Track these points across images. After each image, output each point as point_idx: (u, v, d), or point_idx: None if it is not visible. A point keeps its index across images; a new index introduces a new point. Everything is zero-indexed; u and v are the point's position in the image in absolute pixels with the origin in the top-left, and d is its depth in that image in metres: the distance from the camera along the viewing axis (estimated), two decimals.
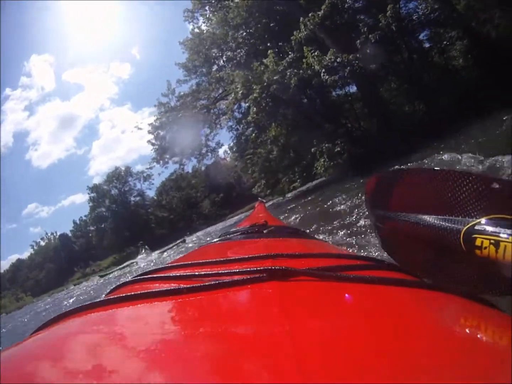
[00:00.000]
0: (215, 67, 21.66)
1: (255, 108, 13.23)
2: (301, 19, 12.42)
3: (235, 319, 0.52)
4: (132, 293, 0.62)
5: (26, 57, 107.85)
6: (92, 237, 50.00)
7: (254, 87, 13.00)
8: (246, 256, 0.79)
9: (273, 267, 0.61)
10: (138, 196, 48.71)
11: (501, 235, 0.92)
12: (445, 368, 0.35)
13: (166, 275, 0.77)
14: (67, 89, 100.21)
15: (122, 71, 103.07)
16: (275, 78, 12.40)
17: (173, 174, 44.14)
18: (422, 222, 1.20)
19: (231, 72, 14.76)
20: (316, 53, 11.68)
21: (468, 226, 1.03)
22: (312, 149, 12.50)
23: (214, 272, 0.69)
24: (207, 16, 21.04)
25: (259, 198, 4.34)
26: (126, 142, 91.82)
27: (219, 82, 20.30)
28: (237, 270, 0.65)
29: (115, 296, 0.64)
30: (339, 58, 11.37)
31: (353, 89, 17.05)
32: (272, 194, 22.76)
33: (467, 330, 0.48)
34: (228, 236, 1.70)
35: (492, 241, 0.93)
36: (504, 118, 5.68)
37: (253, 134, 14.33)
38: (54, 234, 55.01)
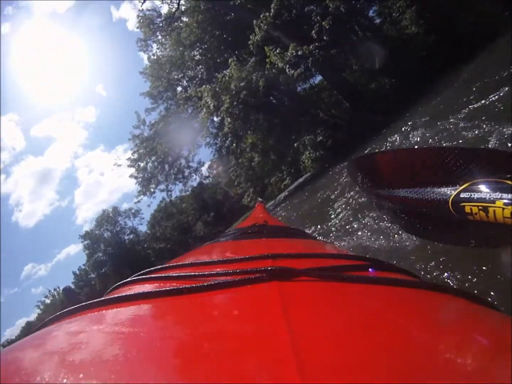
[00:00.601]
0: (179, 89, 21.84)
1: (229, 119, 13.32)
2: (254, 22, 12.59)
3: (235, 319, 0.52)
4: (131, 293, 0.62)
5: None
6: (95, 284, 49.03)
7: (223, 98, 13.12)
8: (246, 256, 0.79)
9: (273, 267, 0.61)
10: (131, 233, 48.14)
11: (487, 200, 1.00)
12: (445, 368, 0.35)
13: (165, 275, 0.77)
14: (38, 144, 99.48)
15: (87, 114, 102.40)
16: (241, 84, 12.52)
17: (161, 205, 44.45)
18: (410, 195, 1.32)
19: (198, 89, 14.82)
20: (277, 51, 11.84)
21: (454, 194, 1.11)
22: (295, 144, 12.61)
23: (214, 272, 0.69)
24: (160, 41, 21.19)
25: (259, 199, 4.43)
26: (106, 184, 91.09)
27: (186, 102, 20.38)
28: (237, 270, 0.65)
29: (114, 296, 0.64)
30: (300, 51, 11.54)
31: (317, 79, 17.38)
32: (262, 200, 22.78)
33: (466, 330, 0.48)
34: (228, 236, 1.71)
35: (480, 207, 1.01)
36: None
37: (233, 145, 14.39)
38: (58, 290, 53.85)
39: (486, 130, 3.07)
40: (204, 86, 14.13)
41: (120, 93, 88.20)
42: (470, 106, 4.17)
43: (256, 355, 0.38)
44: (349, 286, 0.60)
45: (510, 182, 0.99)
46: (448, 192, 1.14)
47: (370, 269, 0.75)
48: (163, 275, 0.78)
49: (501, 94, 3.86)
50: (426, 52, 12.31)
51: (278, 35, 13.14)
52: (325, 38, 11.86)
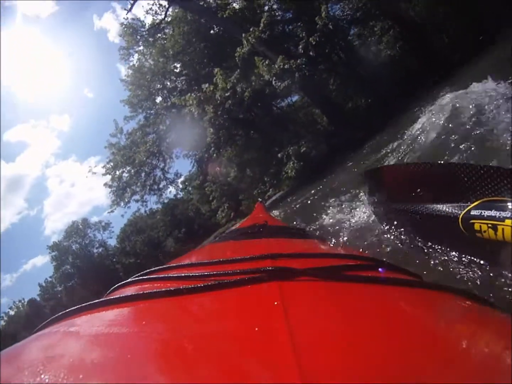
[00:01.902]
0: (159, 99, 21.74)
1: (211, 129, 13.33)
2: (243, 35, 12.81)
3: (235, 319, 0.53)
4: (132, 293, 0.64)
5: None
6: (61, 297, 47.15)
7: (207, 108, 13.15)
8: (246, 256, 0.80)
9: (273, 267, 0.62)
10: (101, 247, 46.97)
11: (497, 218, 1.00)
12: (445, 367, 0.35)
13: (166, 275, 0.78)
14: (10, 150, 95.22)
15: (62, 123, 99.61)
16: (227, 94, 12.62)
17: (131, 219, 43.51)
18: (421, 210, 1.32)
19: (181, 97, 14.80)
20: (266, 62, 12.05)
21: (464, 211, 1.12)
22: (279, 154, 12.75)
23: (214, 272, 0.69)
24: (142, 51, 21.15)
25: (259, 199, 4.38)
26: (77, 195, 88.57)
27: (166, 112, 20.25)
28: (237, 270, 0.66)
29: (115, 296, 0.65)
30: (287, 65, 11.81)
31: (294, 98, 17.83)
32: (235, 217, 22.71)
33: (467, 330, 0.48)
34: (228, 236, 1.76)
35: (489, 225, 1.01)
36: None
37: (214, 155, 14.38)
38: (23, 301, 51.31)
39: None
40: (188, 94, 14.12)
41: (96, 103, 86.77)
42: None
43: (256, 355, 0.39)
44: (349, 285, 0.60)
45: None
46: (459, 209, 1.14)
47: (376, 269, 0.75)
48: (163, 275, 0.79)
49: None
50: (402, 75, 12.96)
51: (263, 50, 13.40)
52: (311, 53, 12.21)
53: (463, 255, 1.27)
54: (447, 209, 1.20)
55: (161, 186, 22.71)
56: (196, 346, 0.43)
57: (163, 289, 0.62)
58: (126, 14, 19.26)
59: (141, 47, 21.09)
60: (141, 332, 0.49)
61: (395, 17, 13.78)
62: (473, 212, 1.08)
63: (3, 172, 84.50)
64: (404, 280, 0.66)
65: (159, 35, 19.97)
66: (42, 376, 0.38)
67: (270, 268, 0.62)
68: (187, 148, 19.48)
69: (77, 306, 0.65)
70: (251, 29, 12.81)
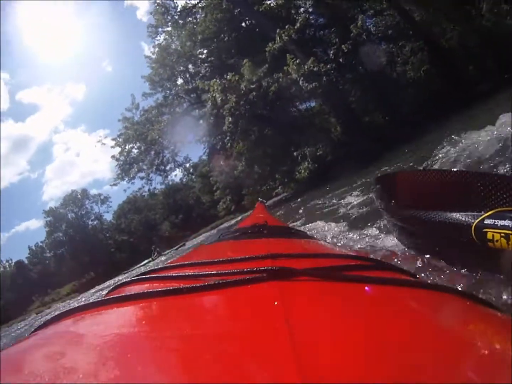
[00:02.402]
0: (180, 81, 21.96)
1: (230, 118, 13.44)
2: (278, 30, 12.93)
3: (235, 319, 0.53)
4: (132, 293, 0.63)
5: None
6: (50, 263, 47.53)
7: (229, 97, 13.26)
8: (246, 256, 0.80)
9: (273, 267, 0.62)
10: (96, 220, 47.40)
11: (510, 227, 1.00)
12: (445, 368, 0.36)
13: (166, 275, 0.78)
14: (22, 110, 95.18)
15: (77, 91, 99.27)
16: (252, 86, 12.74)
17: (131, 196, 43.61)
18: (437, 218, 1.31)
19: (206, 81, 14.93)
20: (297, 61, 12.18)
21: (478, 220, 1.12)
22: (295, 153, 12.86)
23: (214, 272, 0.69)
24: (170, 32, 21.27)
25: (259, 199, 4.37)
26: (80, 165, 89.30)
27: (187, 94, 20.36)
28: (237, 270, 0.66)
29: (115, 296, 0.65)
30: (316, 68, 11.94)
31: (312, 104, 17.91)
32: (235, 211, 22.77)
33: (466, 330, 0.49)
34: (228, 236, 1.73)
35: (502, 234, 1.01)
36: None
37: (228, 144, 14.46)
38: (10, 262, 51.32)
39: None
40: (213, 80, 14.26)
41: (113, 78, 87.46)
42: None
43: (256, 355, 0.39)
44: (349, 286, 0.60)
45: None
46: (472, 218, 1.15)
47: (376, 270, 0.75)
48: (163, 275, 0.79)
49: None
50: (425, 98, 13.05)
51: (293, 49, 13.53)
52: (341, 60, 12.35)
53: (474, 263, 1.27)
54: (461, 217, 1.20)
55: (167, 168, 22.98)
56: (196, 346, 0.43)
57: (163, 289, 0.62)
58: None
59: (169, 28, 21.29)
60: (141, 331, 0.49)
61: (427, 40, 13.92)
62: (486, 221, 1.09)
63: (10, 130, 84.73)
64: (403, 281, 0.67)
65: (189, 19, 20.15)
66: (42, 376, 0.38)
67: (270, 268, 0.62)
68: (201, 134, 19.52)
69: (77, 305, 0.65)
70: (286, 27, 12.91)
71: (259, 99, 12.95)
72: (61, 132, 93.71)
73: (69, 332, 0.56)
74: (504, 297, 1.49)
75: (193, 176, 30.21)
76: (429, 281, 0.83)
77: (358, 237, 2.77)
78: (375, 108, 15.94)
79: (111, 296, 0.65)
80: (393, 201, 1.74)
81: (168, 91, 22.13)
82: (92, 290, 20.11)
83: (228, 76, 13.83)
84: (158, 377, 0.36)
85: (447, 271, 2.01)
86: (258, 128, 14.78)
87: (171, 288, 0.62)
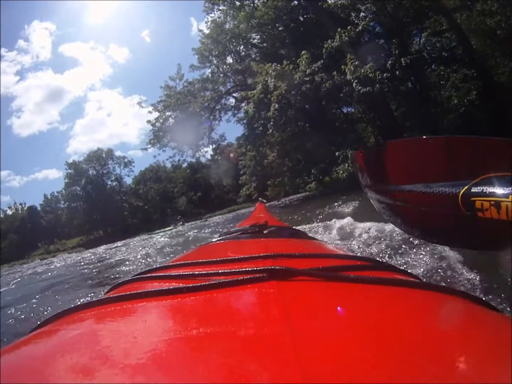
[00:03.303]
0: (229, 60, 22.42)
1: (276, 105, 13.83)
2: (339, 29, 13.25)
3: (235, 319, 0.53)
4: (132, 292, 0.64)
5: (28, 20, 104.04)
6: (62, 214, 48.81)
7: (280, 84, 13.65)
8: (247, 256, 0.81)
9: (273, 267, 0.62)
10: (116, 181, 48.39)
11: (500, 195, 0.92)
12: (445, 368, 0.36)
13: (166, 274, 0.79)
14: (62, 62, 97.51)
15: (120, 54, 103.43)
16: (306, 79, 13.10)
17: (154, 165, 44.43)
18: (417, 190, 1.23)
19: (261, 64, 15.35)
20: (356, 63, 12.52)
21: (464, 189, 1.04)
22: (337, 153, 13.22)
23: (214, 271, 0.70)
24: (226, 11, 21.62)
25: (260, 199, 4.47)
26: (110, 126, 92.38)
27: (235, 74, 20.79)
28: (238, 270, 0.67)
29: (115, 295, 0.65)
30: (372, 74, 12.26)
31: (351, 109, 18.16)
32: (256, 199, 22.98)
33: (466, 330, 0.49)
34: (228, 235, 1.74)
35: (492, 202, 0.94)
36: None
37: (270, 130, 14.84)
38: (23, 205, 53.03)
39: None
40: (269, 64, 14.66)
41: (158, 48, 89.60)
42: None
43: (256, 355, 0.40)
44: (349, 286, 0.61)
45: None
46: (459, 187, 1.07)
47: (376, 270, 0.77)
48: (163, 274, 0.80)
49: None
50: (467, 127, 13.21)
51: (350, 51, 13.82)
52: (397, 73, 12.65)
53: (464, 237, 1.23)
54: (446, 188, 1.12)
55: (200, 143, 23.56)
56: (196, 346, 0.44)
57: (163, 288, 0.63)
58: None
59: (225, 7, 21.69)
60: (140, 331, 0.50)
61: (479, 69, 14.05)
62: (474, 189, 1.02)
63: (48, 80, 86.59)
64: (403, 281, 0.68)
65: (247, 1, 20.47)
66: (41, 375, 0.39)
67: (270, 268, 0.63)
68: (242, 116, 19.91)
69: (77, 304, 0.66)
70: (348, 27, 13.23)
71: (312, 93, 13.30)
72: (96, 91, 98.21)
73: (68, 331, 0.57)
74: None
75: (219, 158, 30.65)
76: (428, 282, 0.82)
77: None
78: (416, 126, 16.10)
79: (111, 295, 0.66)
80: (374, 176, 1.66)
81: (215, 68, 22.58)
82: (98, 249, 20.15)
83: (283, 64, 14.18)
84: (158, 376, 0.37)
85: (438, 249, 2.18)
86: (301, 121, 15.10)
87: (171, 287, 0.63)
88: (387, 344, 0.41)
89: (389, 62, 12.88)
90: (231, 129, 67.61)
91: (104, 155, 47.26)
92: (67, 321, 0.62)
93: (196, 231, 12.30)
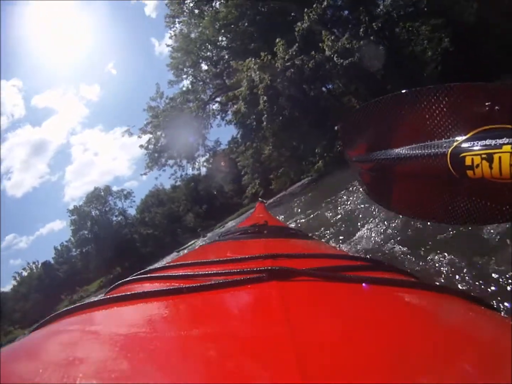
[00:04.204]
0: (204, 67, 23.06)
1: (265, 96, 14.34)
2: (305, 10, 13.82)
3: (235, 319, 0.55)
4: (131, 292, 0.64)
5: None
6: (76, 262, 49.33)
7: (263, 76, 14.17)
8: (246, 256, 0.82)
9: (273, 267, 0.63)
10: (120, 215, 49.08)
11: (492, 146, 0.84)
12: (444, 368, 0.37)
13: (165, 274, 0.80)
14: (38, 114, 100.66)
15: (91, 92, 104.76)
16: (287, 64, 13.64)
17: (153, 190, 45.19)
18: (403, 155, 1.11)
19: (240, 62, 15.86)
20: (332, 38, 13.07)
21: (453, 146, 0.95)
22: (335, 127, 13.71)
23: (214, 271, 0.70)
24: (187, 21, 22.20)
25: (260, 199, 4.53)
26: (99, 165, 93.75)
27: (213, 79, 21.33)
28: (237, 270, 0.67)
29: (114, 295, 0.66)
30: (348, 45, 12.82)
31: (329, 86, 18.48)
32: (263, 196, 23.49)
33: (465, 331, 0.50)
34: (228, 236, 1.75)
35: (483, 155, 0.86)
36: None
37: (264, 123, 15.27)
38: (36, 263, 53.47)
39: None
40: (249, 59, 15.23)
41: (126, 76, 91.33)
42: None
43: (256, 355, 0.40)
44: (349, 286, 0.62)
45: None
46: (448, 144, 0.98)
47: (375, 270, 0.78)
48: (163, 274, 0.81)
49: None
50: (445, 75, 13.52)
51: (320, 29, 14.34)
52: (372, 38, 13.19)
53: (454, 206, 1.08)
54: (434, 146, 1.02)
55: (196, 155, 24.27)
56: (195, 346, 0.44)
57: (163, 288, 0.64)
58: None
59: (186, 18, 22.28)
60: (140, 331, 0.50)
61: (447, 17, 14.57)
62: (464, 145, 0.93)
63: (28, 136, 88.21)
64: (403, 281, 0.69)
65: (206, 7, 21.01)
66: (41, 375, 0.39)
67: (270, 268, 0.63)
68: (230, 118, 20.39)
69: (77, 304, 0.67)
70: (314, 6, 13.77)
71: (297, 76, 13.83)
72: (78, 134, 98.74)
73: (69, 331, 0.58)
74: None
75: (216, 166, 30.88)
76: (428, 282, 0.83)
77: None
78: (398, 87, 16.47)
79: (111, 296, 0.67)
80: (352, 145, 1.50)
81: (193, 78, 23.25)
82: None
83: (261, 56, 14.72)
84: (157, 377, 0.37)
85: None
86: (289, 108, 15.55)
87: (171, 287, 0.64)
88: (386, 344, 0.42)
89: (361, 30, 13.41)
90: (224, 133, 68.55)
91: (102, 193, 47.89)
92: (67, 321, 0.63)
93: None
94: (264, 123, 15.14)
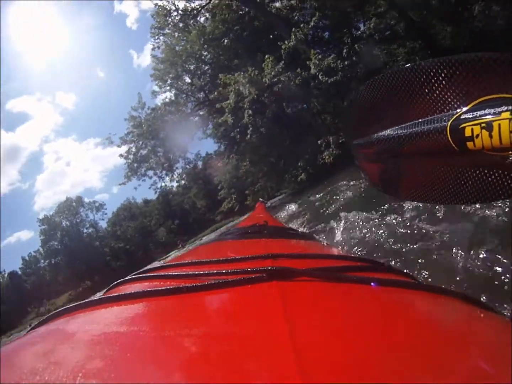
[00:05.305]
0: (188, 80, 23.78)
1: (250, 111, 15.07)
2: (293, 29, 14.81)
3: (235, 319, 0.55)
4: (131, 292, 0.65)
5: None
6: (44, 273, 48.20)
7: (250, 90, 14.93)
8: (246, 256, 0.83)
9: (273, 267, 0.64)
10: (91, 227, 48.54)
11: (492, 114, 0.84)
12: (444, 370, 0.38)
13: (165, 273, 0.81)
14: (11, 119, 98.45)
15: (67, 101, 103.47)
16: (274, 80, 14.48)
17: (125, 203, 45.07)
18: (403, 134, 1.10)
19: (229, 75, 16.55)
20: (319, 56, 14.02)
21: (453, 119, 0.94)
22: (319, 141, 14.57)
23: (214, 271, 0.71)
24: (172, 34, 23.03)
25: (260, 199, 4.56)
26: (70, 175, 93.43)
27: (196, 92, 22.00)
28: (237, 270, 0.68)
29: (113, 294, 0.67)
30: (333, 64, 13.82)
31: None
32: (237, 213, 23.95)
33: (465, 332, 0.51)
34: (228, 235, 1.78)
35: (483, 124, 0.85)
36: None
37: (249, 136, 15.93)
38: (3, 273, 51.46)
39: None
40: (237, 73, 15.97)
41: (103, 86, 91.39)
42: None
43: (256, 355, 0.40)
44: (349, 286, 0.63)
45: None
46: (447, 117, 0.96)
47: (375, 271, 0.80)
48: (162, 274, 0.82)
49: None
50: None
51: (304, 48, 15.32)
52: (354, 59, 14.24)
53: (455, 186, 1.05)
54: (433, 123, 0.99)
55: (174, 168, 24.77)
56: (195, 346, 0.45)
57: (162, 288, 0.64)
58: None
59: (170, 31, 22.96)
60: (138, 331, 0.51)
61: (425, 40, 15.85)
62: (464, 116, 0.91)
63: (2, 140, 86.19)
64: (403, 282, 0.70)
65: (191, 21, 21.84)
66: (37, 376, 0.39)
67: (270, 268, 0.64)
68: (215, 129, 20.93)
69: (75, 304, 0.67)
70: (301, 25, 14.82)
71: (284, 91, 14.67)
72: (51, 142, 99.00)
73: (66, 331, 0.58)
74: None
75: (186, 182, 31.66)
76: (428, 283, 0.89)
77: None
78: None
79: (109, 295, 0.67)
80: (358, 128, 1.45)
81: (176, 90, 23.91)
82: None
83: (248, 71, 15.44)
84: (157, 377, 0.38)
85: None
86: (271, 123, 16.27)
87: (169, 287, 0.64)
88: (386, 345, 0.43)
89: (345, 51, 14.46)
90: (204, 147, 68.49)
91: (74, 203, 47.38)
92: (65, 320, 0.64)
93: None
94: (249, 135, 15.77)
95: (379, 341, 0.43)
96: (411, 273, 0.94)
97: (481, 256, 1.97)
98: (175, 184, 26.63)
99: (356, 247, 3.04)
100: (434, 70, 0.98)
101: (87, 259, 43.64)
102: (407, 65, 1.07)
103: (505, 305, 1.50)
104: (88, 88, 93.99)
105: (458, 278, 1.88)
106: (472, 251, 2.05)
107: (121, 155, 23.10)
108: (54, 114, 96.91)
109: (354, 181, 6.95)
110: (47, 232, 45.99)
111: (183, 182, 28.53)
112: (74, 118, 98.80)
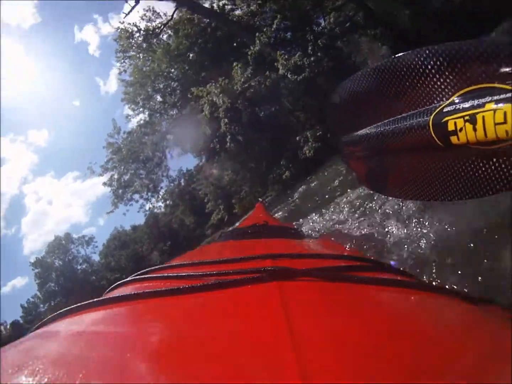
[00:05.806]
0: (159, 98, 23.94)
1: (226, 119, 15.39)
2: (257, 34, 15.24)
3: (234, 319, 0.56)
4: (131, 293, 0.67)
5: None
6: (46, 317, 46.38)
7: (223, 99, 15.27)
8: (246, 256, 0.85)
9: (273, 267, 0.65)
10: (85, 262, 47.84)
11: (475, 106, 0.81)
12: (444, 368, 0.39)
13: (165, 274, 0.83)
14: None
15: (40, 138, 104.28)
16: (245, 86, 14.85)
17: (114, 233, 45.11)
18: (385, 131, 1.07)
19: (201, 88, 16.85)
20: (286, 57, 14.44)
21: (435, 112, 0.91)
22: (297, 138, 14.94)
23: (214, 271, 0.72)
24: (137, 56, 23.22)
25: (259, 199, 4.54)
26: (53, 213, 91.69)
27: (172, 108, 22.35)
28: (237, 270, 0.69)
29: (114, 295, 0.69)
30: (300, 62, 14.25)
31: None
32: (228, 222, 24.13)
33: (464, 331, 0.52)
34: (228, 236, 1.82)
35: (466, 117, 0.82)
36: None
37: (228, 144, 16.21)
38: (5, 324, 50.04)
39: None
40: (209, 84, 16.31)
41: (74, 119, 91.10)
42: None
43: (256, 355, 0.42)
44: (349, 286, 0.64)
45: (501, 85, 0.79)
46: (430, 111, 0.92)
47: (375, 270, 0.81)
48: (162, 274, 0.84)
49: None
50: None
51: (269, 51, 15.74)
52: (319, 54, 14.69)
53: (442, 183, 1.02)
54: (415, 118, 0.95)
55: (159, 188, 25.08)
56: (195, 346, 0.46)
57: (162, 288, 0.65)
58: (124, 18, 21.42)
59: (134, 53, 23.16)
60: (139, 331, 0.52)
61: (384, 26, 16.41)
62: (446, 109, 0.88)
63: None
64: (402, 281, 0.72)
65: (154, 40, 22.14)
66: (38, 375, 0.40)
67: (270, 268, 0.65)
68: (193, 144, 21.13)
69: (76, 305, 0.69)
70: (264, 29, 15.25)
71: (256, 96, 15.09)
72: (30, 182, 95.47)
73: (68, 331, 0.59)
74: None
75: (171, 201, 31.97)
76: (427, 283, 0.83)
77: None
78: None
79: (110, 296, 0.69)
80: (341, 126, 1.43)
81: (149, 111, 24.06)
82: None
83: (219, 81, 15.81)
84: (157, 377, 0.39)
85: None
86: (247, 129, 16.61)
87: (170, 287, 0.66)
88: (386, 344, 0.44)
89: (309, 48, 14.92)
90: (184, 163, 68.09)
91: (63, 241, 46.75)
92: (66, 321, 0.66)
93: None
94: (228, 144, 16.05)
95: (379, 341, 0.45)
96: (411, 273, 0.94)
97: (477, 254, 1.92)
98: (162, 204, 26.68)
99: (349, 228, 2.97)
100: (414, 62, 0.97)
101: (86, 295, 40.60)
102: (386, 60, 1.07)
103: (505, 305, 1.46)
104: (59, 121, 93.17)
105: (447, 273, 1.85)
106: (465, 248, 1.99)
107: (104, 183, 23.21)
108: (28, 153, 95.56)
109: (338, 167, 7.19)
110: (41, 274, 45.23)
111: (168, 202, 28.71)
112: (49, 154, 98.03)
